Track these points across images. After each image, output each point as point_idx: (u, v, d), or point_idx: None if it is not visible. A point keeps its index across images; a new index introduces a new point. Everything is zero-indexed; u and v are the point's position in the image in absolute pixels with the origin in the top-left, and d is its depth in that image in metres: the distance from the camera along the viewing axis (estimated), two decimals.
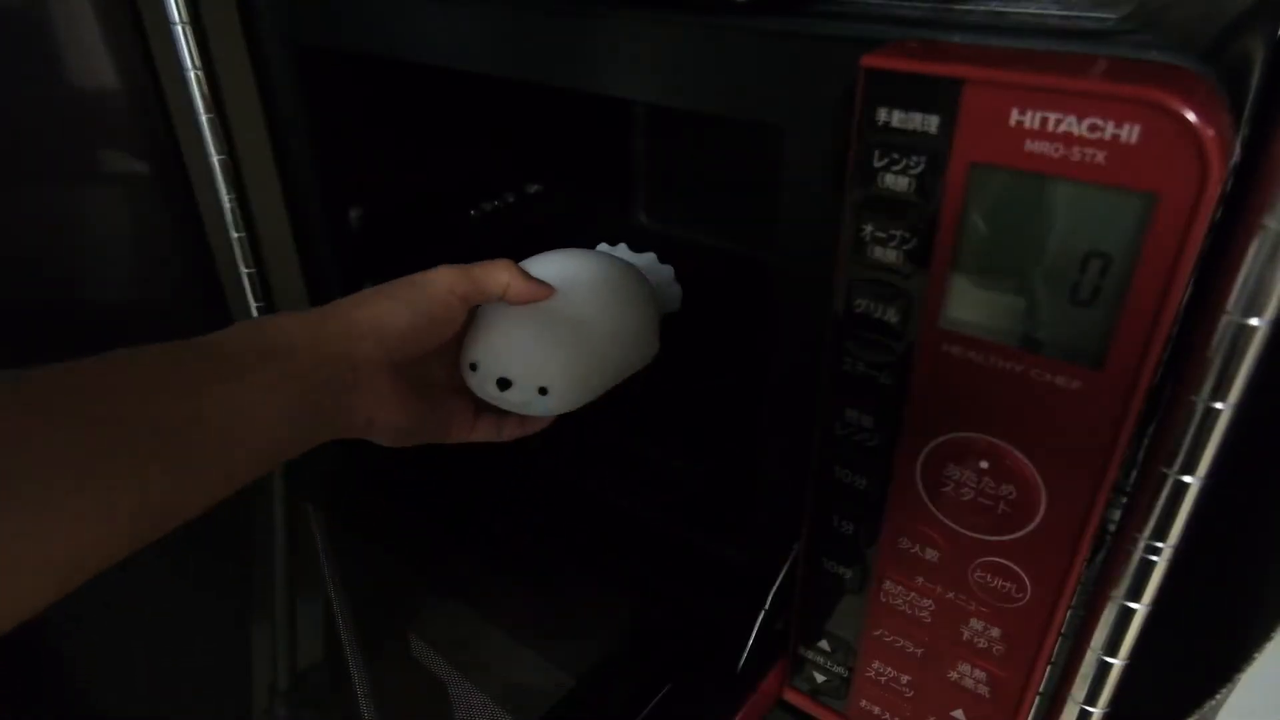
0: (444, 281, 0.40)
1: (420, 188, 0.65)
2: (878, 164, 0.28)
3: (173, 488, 0.30)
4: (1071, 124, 0.23)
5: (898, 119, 0.27)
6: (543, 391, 0.43)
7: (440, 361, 0.44)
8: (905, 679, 0.37)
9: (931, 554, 0.33)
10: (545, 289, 0.43)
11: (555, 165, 0.77)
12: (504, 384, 0.43)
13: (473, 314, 0.44)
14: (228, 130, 0.57)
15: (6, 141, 0.56)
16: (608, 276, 0.47)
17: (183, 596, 0.69)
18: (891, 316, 0.30)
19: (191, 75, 0.54)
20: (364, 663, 0.81)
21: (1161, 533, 0.28)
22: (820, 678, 0.40)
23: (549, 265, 0.46)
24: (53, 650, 0.64)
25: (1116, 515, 0.30)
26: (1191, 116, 0.22)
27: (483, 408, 0.46)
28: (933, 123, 0.26)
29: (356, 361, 0.37)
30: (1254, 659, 0.32)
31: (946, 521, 0.32)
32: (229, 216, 0.59)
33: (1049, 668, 0.33)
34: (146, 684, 0.70)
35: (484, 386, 0.43)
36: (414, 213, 0.64)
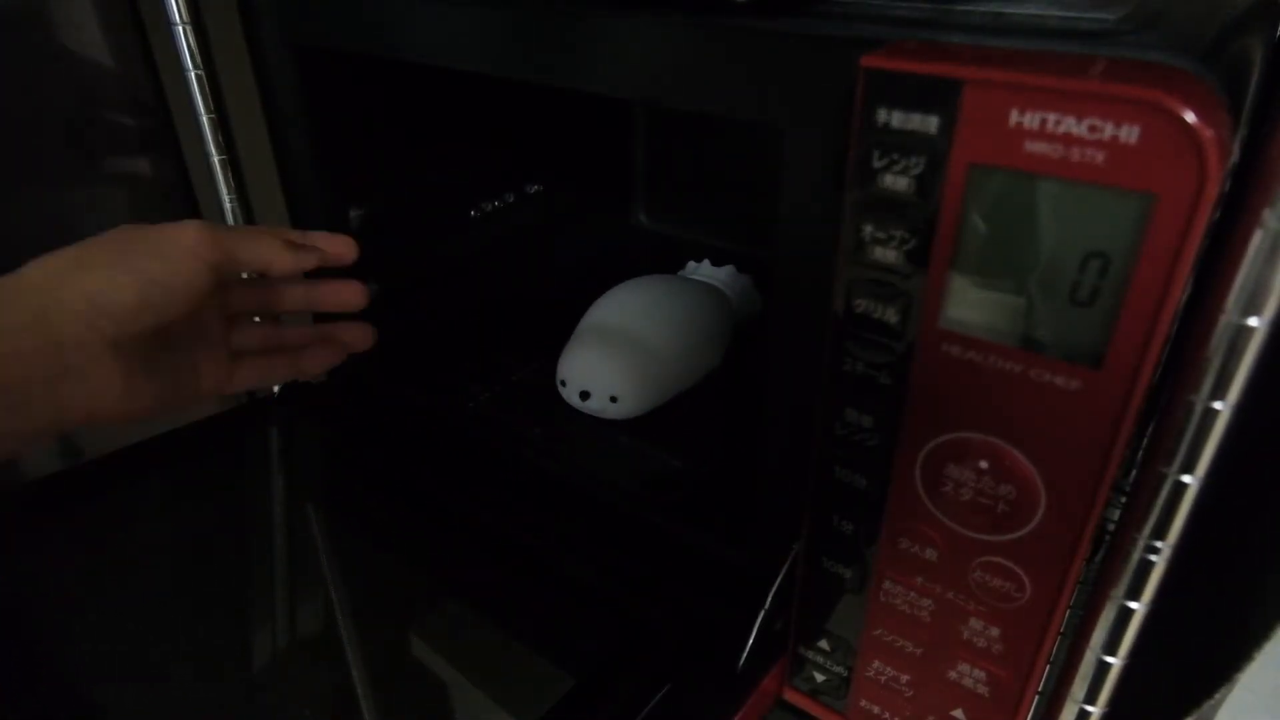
0: (186, 242, 0.33)
1: (420, 187, 0.65)
2: (877, 164, 0.28)
3: None
4: (1071, 124, 0.23)
5: (897, 119, 0.27)
6: (614, 400, 0.56)
7: (184, 324, 0.36)
8: (905, 678, 0.37)
9: (931, 554, 0.33)
10: (310, 255, 0.38)
11: (555, 165, 0.77)
12: (584, 395, 0.57)
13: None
14: (228, 130, 0.57)
15: (6, 142, 0.56)
16: (677, 301, 0.61)
17: (183, 596, 0.69)
18: (891, 316, 0.30)
19: (191, 75, 0.54)
20: (364, 663, 0.81)
21: (1161, 532, 0.29)
22: (820, 677, 0.40)
23: (630, 294, 0.60)
24: (48, 650, 0.64)
25: (1116, 515, 0.30)
26: (1190, 117, 0.22)
27: (243, 354, 0.40)
28: (932, 123, 0.26)
29: (64, 347, 0.30)
30: (1253, 658, 0.32)
31: (946, 521, 0.32)
32: (229, 217, 0.59)
33: (1048, 667, 0.33)
34: (146, 683, 0.70)
35: (571, 397, 0.57)
36: (414, 213, 0.65)
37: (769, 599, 0.40)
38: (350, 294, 0.43)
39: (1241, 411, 0.26)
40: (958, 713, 0.36)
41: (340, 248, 0.41)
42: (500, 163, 0.72)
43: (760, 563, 0.41)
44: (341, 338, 0.45)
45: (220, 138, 0.57)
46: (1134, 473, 0.29)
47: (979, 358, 0.28)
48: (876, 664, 0.38)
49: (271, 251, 0.37)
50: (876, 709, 0.39)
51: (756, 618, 0.41)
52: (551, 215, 0.77)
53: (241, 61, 0.54)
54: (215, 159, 0.57)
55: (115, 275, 0.32)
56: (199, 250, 0.34)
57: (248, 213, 0.60)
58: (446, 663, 0.76)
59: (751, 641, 0.41)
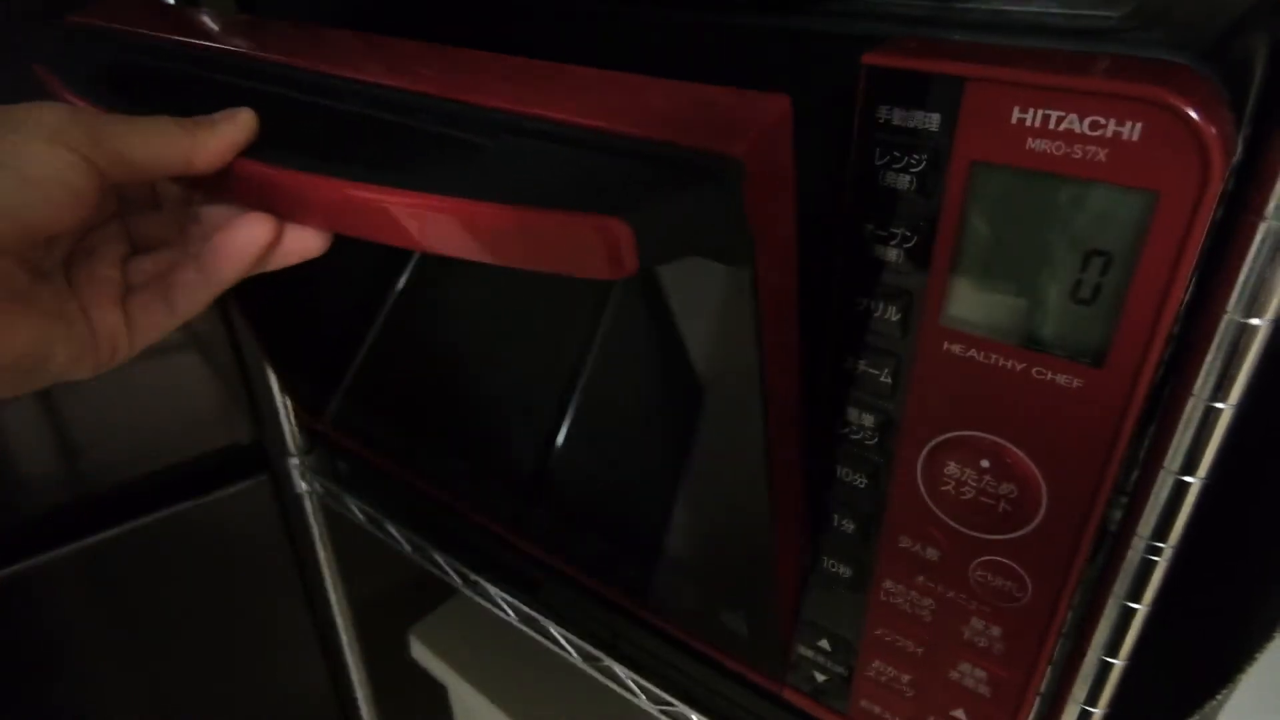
0: (46, 125, 0.26)
1: None
2: (879, 162, 0.28)
3: None
4: (1073, 122, 0.23)
5: (899, 117, 0.26)
6: None
7: (68, 245, 0.29)
8: (906, 678, 0.37)
9: (932, 553, 0.33)
10: (224, 129, 0.29)
11: None
12: None
13: None
14: None
15: None
16: None
17: (182, 597, 0.69)
18: (892, 315, 0.30)
19: None
20: (364, 663, 0.81)
21: (1162, 533, 0.28)
22: (820, 677, 0.40)
23: None
24: (46, 650, 0.64)
25: (1117, 515, 0.30)
26: (1193, 115, 0.22)
27: (137, 288, 0.31)
28: (934, 121, 0.26)
29: None
30: (1256, 659, 0.32)
31: (947, 520, 0.32)
32: None
33: (1050, 667, 0.33)
34: (145, 684, 0.70)
35: None
36: None
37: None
38: (306, 238, 0.31)
39: (1244, 411, 0.26)
40: (958, 713, 0.36)
41: (247, 125, 0.30)
42: None
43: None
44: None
45: None
46: (1136, 472, 0.29)
47: (981, 356, 0.28)
48: (877, 664, 0.38)
49: (178, 141, 0.28)
50: (877, 709, 0.39)
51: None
52: None
53: None
54: None
55: None
56: (60, 135, 0.26)
57: None
58: (445, 662, 0.76)
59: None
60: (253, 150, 0.29)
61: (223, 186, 0.30)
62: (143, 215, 0.32)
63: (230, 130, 0.29)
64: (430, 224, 0.25)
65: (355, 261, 0.56)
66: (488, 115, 0.28)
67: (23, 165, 0.25)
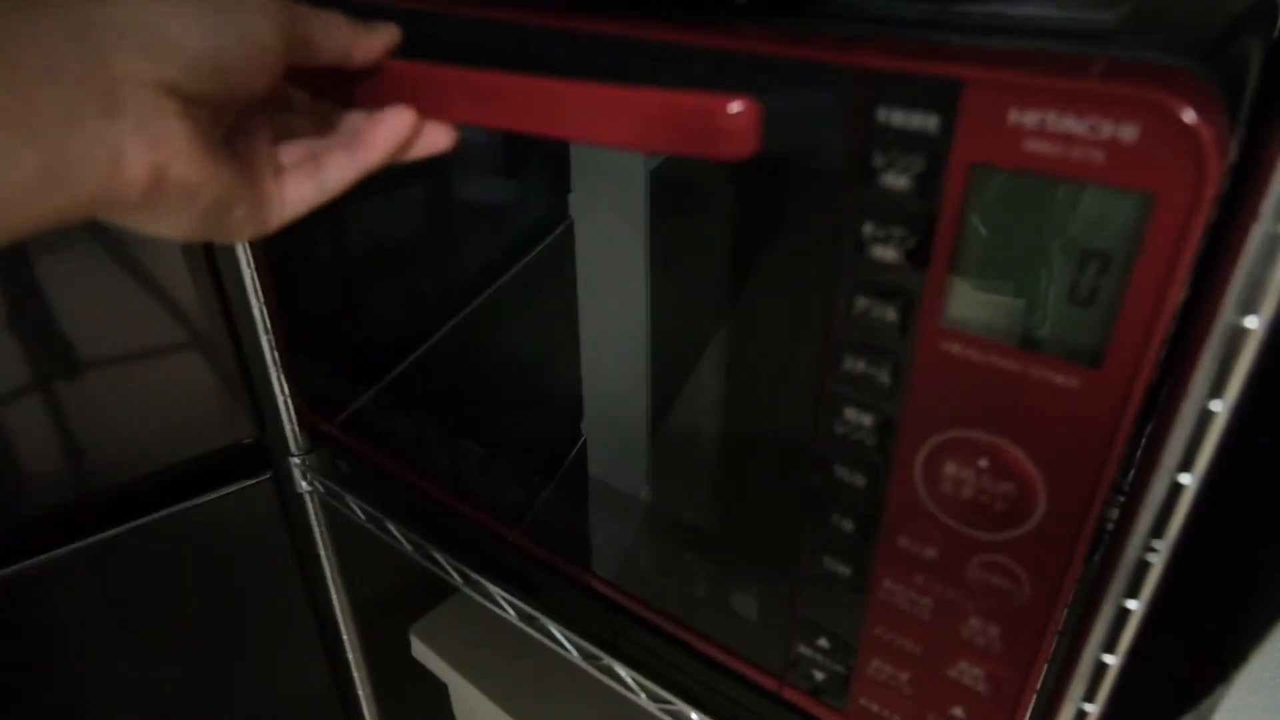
0: (268, 4, 0.30)
1: None
2: (877, 163, 0.28)
3: None
4: (1070, 124, 0.24)
5: (898, 119, 0.27)
6: None
7: (243, 116, 0.32)
8: (905, 677, 0.37)
9: (930, 552, 0.33)
10: (382, 35, 0.34)
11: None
12: None
13: None
14: None
15: None
16: None
17: (184, 596, 0.69)
18: (891, 316, 0.30)
19: None
20: (365, 661, 0.81)
21: (1159, 532, 0.29)
22: (820, 676, 0.40)
23: None
24: (49, 649, 0.64)
25: (1114, 514, 0.30)
26: (1190, 117, 0.22)
27: (287, 168, 0.34)
28: (932, 122, 0.26)
29: (118, 81, 0.26)
30: (1250, 658, 0.32)
31: (945, 520, 0.32)
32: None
33: (1047, 666, 0.33)
34: (147, 683, 0.70)
35: None
36: None
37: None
38: (438, 134, 0.35)
39: (1239, 411, 0.26)
40: (957, 710, 0.36)
41: (396, 34, 0.35)
42: None
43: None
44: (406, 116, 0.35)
45: None
46: (1132, 472, 0.29)
47: (979, 357, 0.28)
48: (876, 662, 0.38)
49: (348, 35, 0.33)
50: (876, 707, 0.39)
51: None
52: None
53: None
54: None
55: (178, 10, 0.27)
56: (278, 9, 0.30)
57: None
58: (445, 662, 0.76)
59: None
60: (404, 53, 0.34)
61: (378, 83, 0.35)
62: (282, 113, 0.36)
63: (386, 34, 0.34)
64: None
65: (383, 263, 0.56)
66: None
67: (241, 28, 0.28)
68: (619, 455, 0.46)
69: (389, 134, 0.34)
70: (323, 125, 0.36)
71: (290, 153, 0.35)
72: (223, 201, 0.30)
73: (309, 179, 0.34)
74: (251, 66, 0.29)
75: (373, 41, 0.34)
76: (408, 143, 0.35)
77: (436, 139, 0.35)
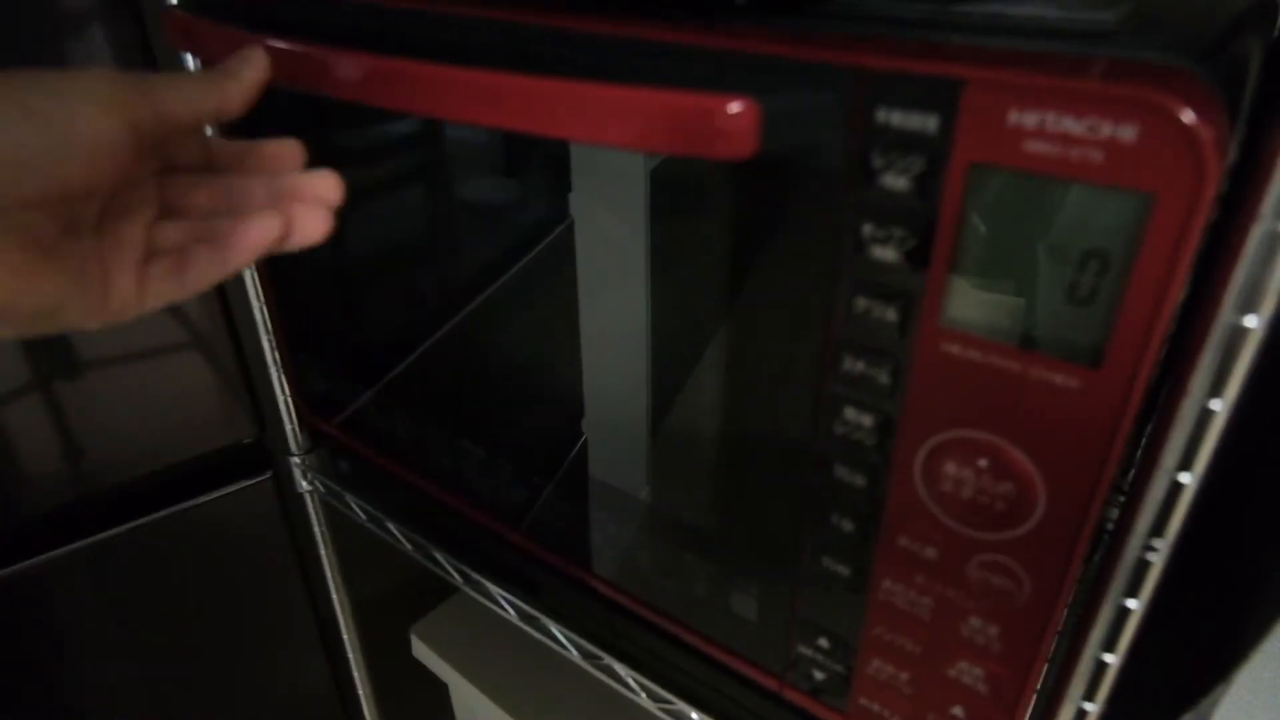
0: (100, 91, 0.27)
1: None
2: (877, 164, 0.28)
3: None
4: (1070, 124, 0.24)
5: (897, 119, 0.27)
6: None
7: (92, 203, 0.30)
8: (904, 677, 0.37)
9: (930, 552, 0.33)
10: (250, 71, 0.32)
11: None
12: None
13: None
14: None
15: None
16: None
17: (184, 596, 0.69)
18: (891, 316, 0.30)
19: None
20: (366, 661, 0.81)
21: (1159, 531, 0.29)
22: (820, 676, 0.40)
23: None
24: (49, 649, 0.64)
25: (1114, 514, 0.30)
26: (1189, 117, 0.22)
27: (161, 255, 0.33)
28: (932, 123, 0.26)
29: None
30: (1250, 657, 0.32)
31: (945, 520, 0.32)
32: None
33: (1047, 665, 0.33)
34: (147, 683, 0.70)
35: None
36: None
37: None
38: (324, 185, 0.34)
39: (1239, 410, 0.26)
40: (957, 710, 0.36)
41: (263, 64, 0.33)
42: None
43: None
44: (310, 191, 0.34)
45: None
46: (1132, 471, 0.29)
47: (979, 357, 0.28)
48: (876, 662, 0.38)
49: (204, 92, 0.30)
50: (876, 707, 0.39)
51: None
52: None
53: None
54: None
55: (4, 113, 0.25)
56: (114, 104, 0.27)
57: None
58: (445, 663, 0.76)
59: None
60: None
61: (377, 82, 0.34)
62: (181, 180, 0.34)
63: (250, 74, 0.33)
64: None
65: (384, 263, 0.56)
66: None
67: (67, 125, 0.27)
68: (619, 455, 0.46)
69: (257, 237, 0.33)
70: (219, 192, 0.34)
71: (164, 237, 0.33)
72: (44, 310, 0.28)
73: (171, 277, 0.33)
74: (92, 163, 0.27)
75: (236, 87, 0.31)
76: (277, 244, 0.33)
77: (310, 232, 0.34)
